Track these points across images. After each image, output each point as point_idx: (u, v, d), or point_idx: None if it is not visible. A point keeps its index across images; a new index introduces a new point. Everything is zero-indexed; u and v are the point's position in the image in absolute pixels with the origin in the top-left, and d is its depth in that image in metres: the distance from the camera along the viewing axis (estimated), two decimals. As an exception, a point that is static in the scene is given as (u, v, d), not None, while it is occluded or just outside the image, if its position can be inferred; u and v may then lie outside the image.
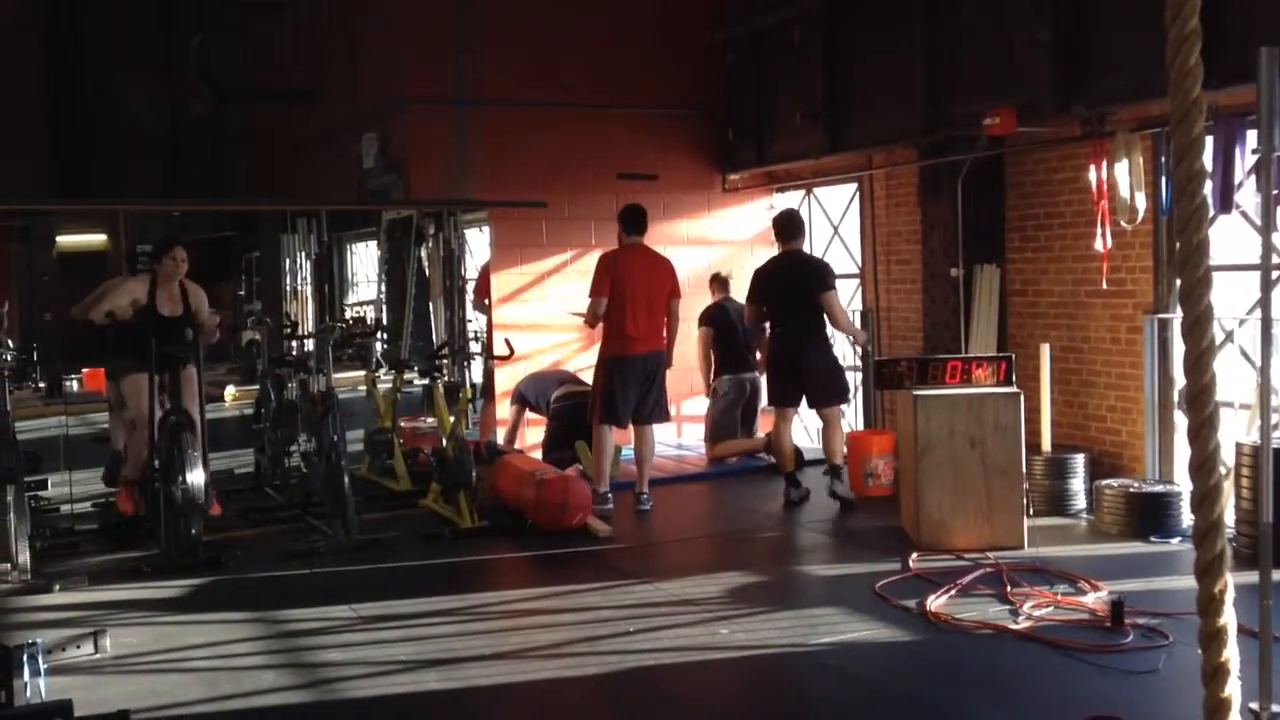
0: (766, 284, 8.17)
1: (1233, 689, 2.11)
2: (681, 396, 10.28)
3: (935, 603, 5.61)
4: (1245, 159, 6.43)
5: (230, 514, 7.82)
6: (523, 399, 9.81)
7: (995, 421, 6.70)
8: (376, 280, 14.01)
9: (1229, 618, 2.12)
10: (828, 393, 8.10)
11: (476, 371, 10.43)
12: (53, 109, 20.85)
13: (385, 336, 11.65)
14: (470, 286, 10.94)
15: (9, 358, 7.36)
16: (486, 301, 10.17)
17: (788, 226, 8.32)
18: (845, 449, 8.34)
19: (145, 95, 20.55)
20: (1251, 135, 6.24)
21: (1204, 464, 2.10)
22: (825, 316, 8.02)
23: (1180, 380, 7.22)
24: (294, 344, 9.80)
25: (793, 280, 8.04)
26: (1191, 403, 2.08)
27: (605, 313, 7.92)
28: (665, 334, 8.17)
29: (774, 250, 11.16)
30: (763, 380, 10.45)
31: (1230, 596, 2.13)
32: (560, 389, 9.46)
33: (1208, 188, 6.57)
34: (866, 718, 4.54)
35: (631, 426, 8.09)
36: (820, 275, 8.16)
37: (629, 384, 7.91)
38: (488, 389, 9.74)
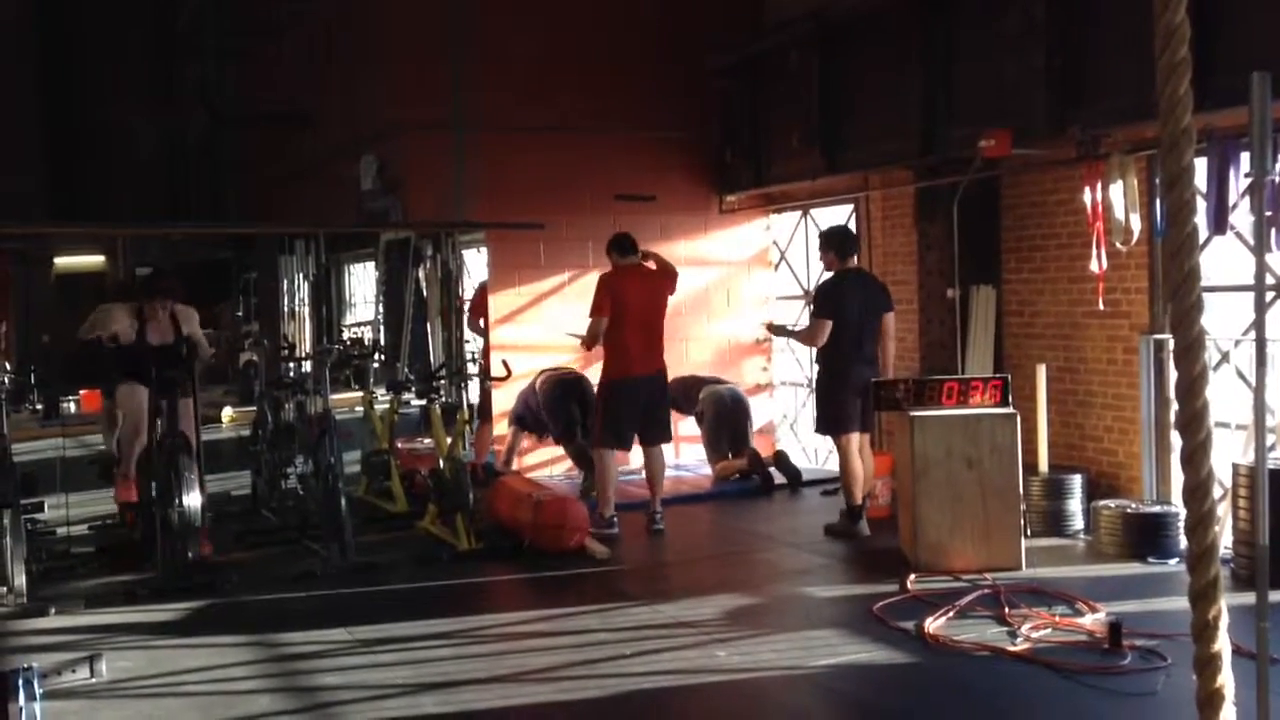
0: (844, 301, 7.75)
1: (1228, 715, 2.11)
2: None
3: (933, 624, 5.61)
4: (1240, 180, 6.46)
5: (227, 537, 7.80)
6: (519, 420, 9.81)
7: (992, 442, 6.70)
8: (374, 301, 14.00)
9: (1223, 644, 2.11)
10: (872, 416, 8.00)
11: (474, 392, 10.40)
12: (52, 132, 20.94)
13: (383, 358, 11.62)
14: (467, 307, 10.92)
15: (6, 380, 7.36)
16: (482, 322, 10.16)
17: (849, 242, 8.06)
18: None
19: (144, 119, 20.66)
20: (1246, 156, 6.26)
21: (1197, 489, 2.11)
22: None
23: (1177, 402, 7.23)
24: (291, 365, 9.77)
25: (871, 298, 7.83)
26: (1184, 429, 2.08)
27: (605, 333, 7.91)
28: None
29: (770, 271, 11.30)
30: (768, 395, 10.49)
31: (1225, 622, 2.12)
32: (541, 377, 9.47)
33: (1202, 209, 6.64)
34: (864, 741, 4.53)
35: (640, 448, 8.08)
36: (888, 294, 8.06)
37: (633, 406, 7.89)
38: (484, 409, 9.72)
